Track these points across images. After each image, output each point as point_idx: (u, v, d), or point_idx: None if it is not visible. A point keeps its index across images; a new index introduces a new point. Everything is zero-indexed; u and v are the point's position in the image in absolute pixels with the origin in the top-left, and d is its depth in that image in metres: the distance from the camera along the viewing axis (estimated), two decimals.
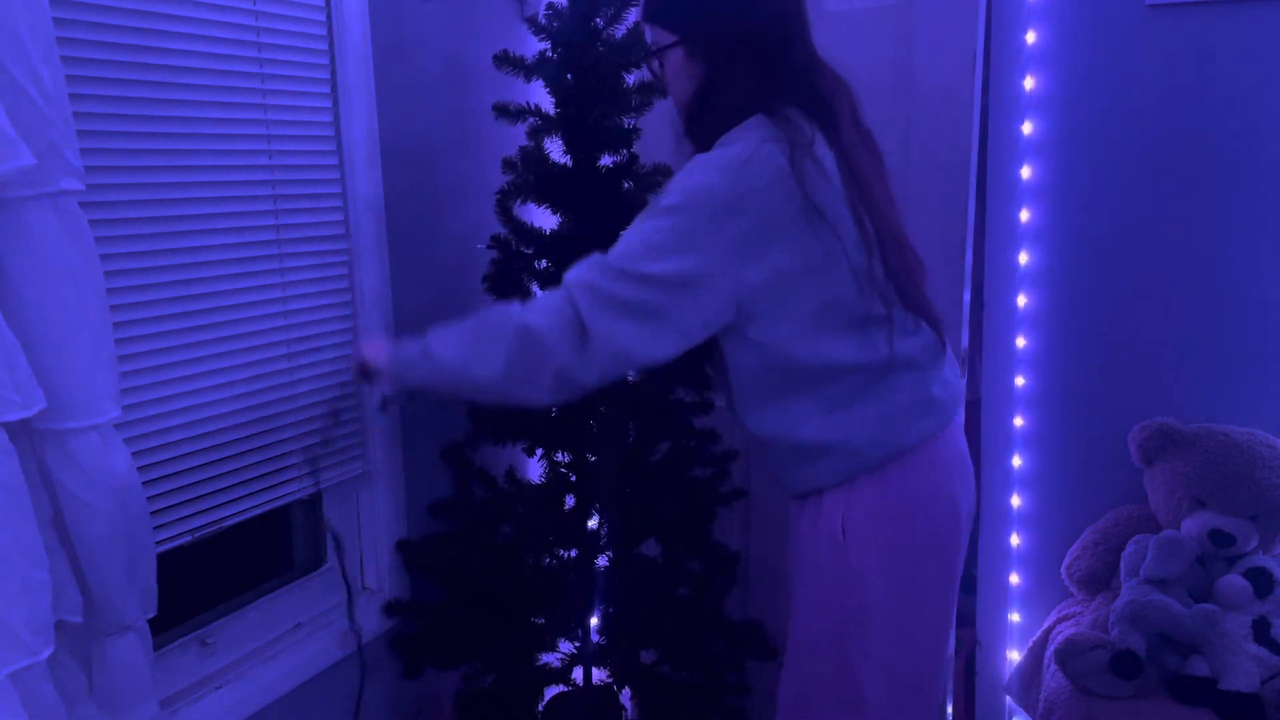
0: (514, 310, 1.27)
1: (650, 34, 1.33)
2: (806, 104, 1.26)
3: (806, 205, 1.19)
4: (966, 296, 1.92)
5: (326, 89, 1.67)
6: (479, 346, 1.27)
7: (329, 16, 1.66)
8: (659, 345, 1.22)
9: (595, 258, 1.24)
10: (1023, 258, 1.95)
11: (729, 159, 1.20)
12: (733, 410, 1.39)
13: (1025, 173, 1.92)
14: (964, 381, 1.42)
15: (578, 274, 1.24)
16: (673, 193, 1.21)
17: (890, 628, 1.31)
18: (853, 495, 1.29)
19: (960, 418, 1.40)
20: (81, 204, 1.12)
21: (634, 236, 1.23)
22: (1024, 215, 1.93)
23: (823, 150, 1.24)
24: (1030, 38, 1.87)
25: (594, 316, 1.20)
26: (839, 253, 1.22)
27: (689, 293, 1.20)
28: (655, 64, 1.35)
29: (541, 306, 1.25)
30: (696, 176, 1.21)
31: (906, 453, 1.29)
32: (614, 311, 1.20)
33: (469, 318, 1.31)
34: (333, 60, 1.67)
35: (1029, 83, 1.89)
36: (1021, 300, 1.96)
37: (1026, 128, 1.90)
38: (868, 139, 1.35)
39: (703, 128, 1.29)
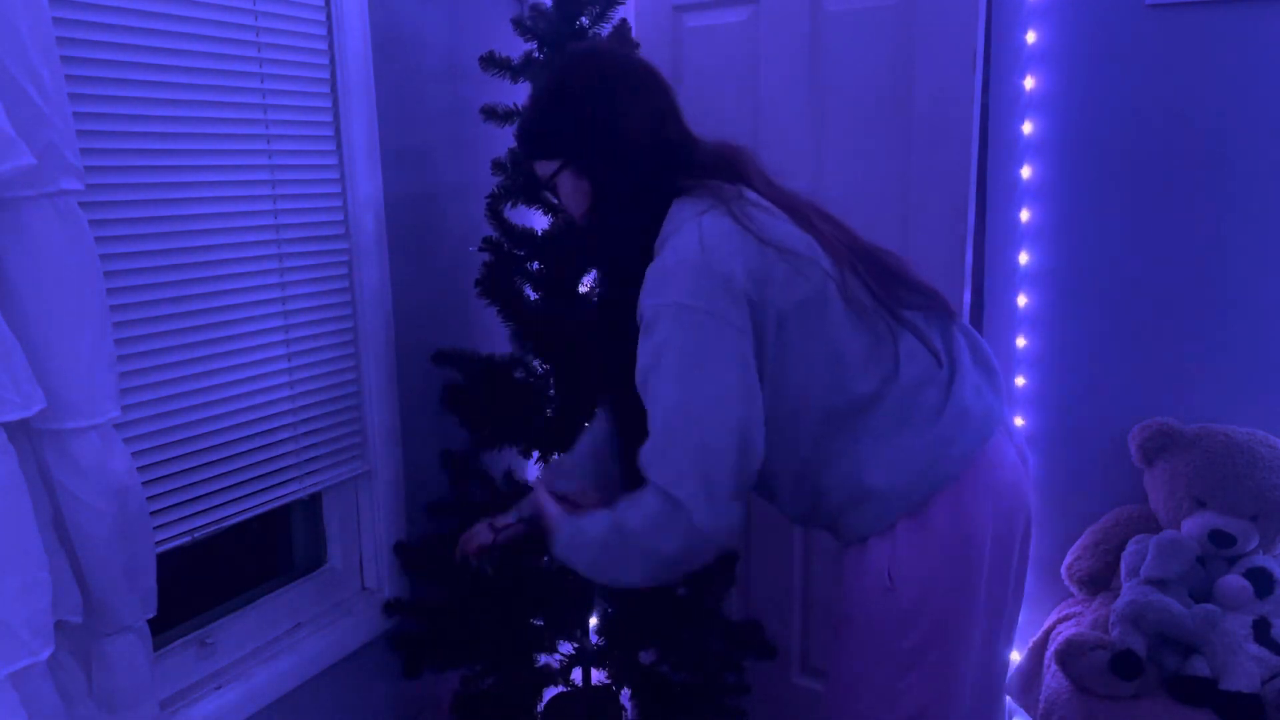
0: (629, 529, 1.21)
1: (538, 169, 1.34)
2: (711, 171, 1.27)
3: (771, 247, 1.19)
4: (966, 296, 1.92)
5: (326, 89, 1.67)
6: (610, 559, 1.25)
7: (329, 16, 1.66)
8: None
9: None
10: (1023, 258, 1.95)
11: (681, 257, 1.17)
12: (772, 492, 1.35)
13: (1025, 173, 1.92)
14: (1001, 388, 1.35)
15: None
16: (659, 331, 1.17)
17: (946, 662, 1.26)
18: (898, 540, 1.23)
19: (1005, 426, 1.33)
20: (81, 204, 1.11)
21: (666, 416, 1.18)
22: (1024, 215, 1.93)
23: (753, 195, 1.25)
24: (1030, 38, 1.87)
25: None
26: (822, 280, 1.21)
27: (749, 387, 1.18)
28: (548, 193, 1.37)
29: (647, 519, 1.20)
30: (670, 295, 1.16)
31: (952, 481, 1.22)
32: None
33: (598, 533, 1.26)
34: (333, 60, 1.67)
35: (1029, 83, 1.89)
36: (1021, 300, 1.96)
37: (1026, 128, 1.90)
38: (780, 188, 1.34)
39: (608, 231, 1.30)
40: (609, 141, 1.26)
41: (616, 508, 1.23)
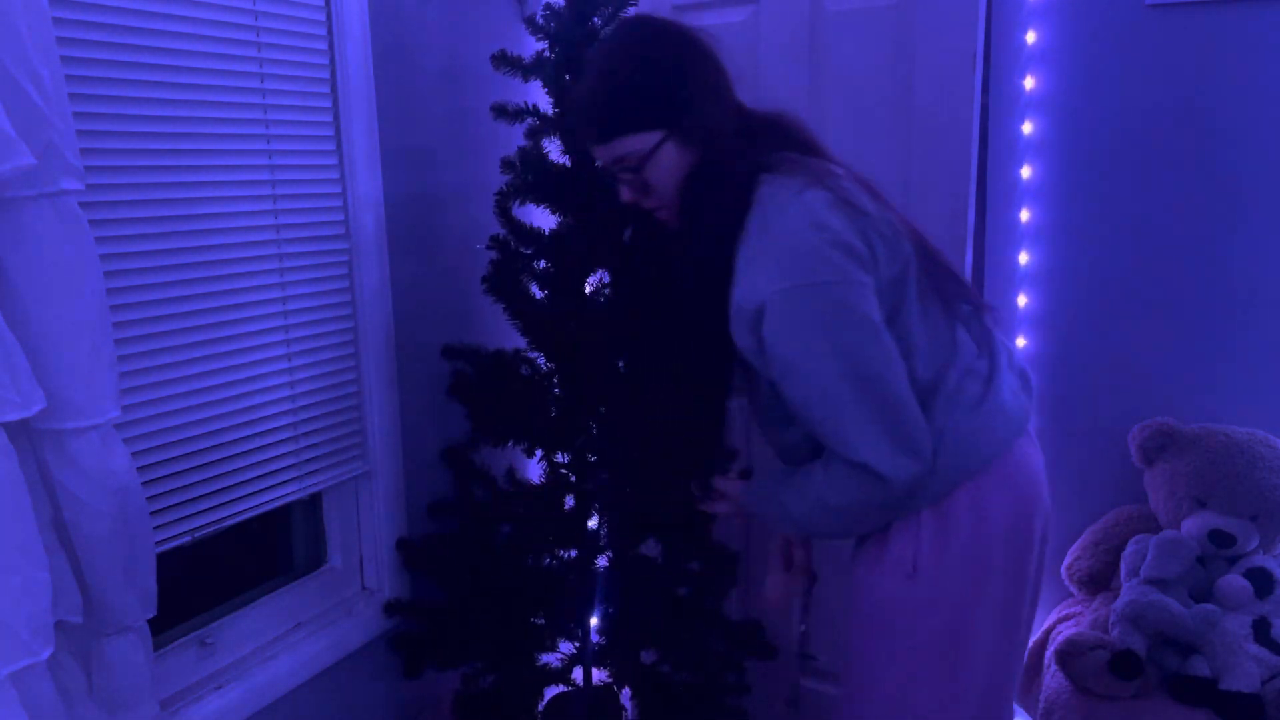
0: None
1: (619, 148, 1.25)
2: (794, 145, 1.27)
3: (871, 220, 1.19)
4: None
5: (326, 89, 1.67)
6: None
7: (329, 16, 1.66)
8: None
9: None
10: (1023, 258, 1.95)
11: (796, 239, 1.15)
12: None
13: (1025, 173, 1.92)
14: (1031, 393, 1.37)
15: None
16: (795, 315, 1.15)
17: (965, 654, 1.26)
18: (921, 528, 1.24)
19: (1030, 429, 1.35)
20: (81, 204, 1.11)
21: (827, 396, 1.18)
22: (1024, 215, 1.93)
23: (839, 170, 1.23)
24: (1030, 38, 1.87)
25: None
26: (907, 259, 1.22)
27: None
28: (630, 175, 1.28)
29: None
30: (795, 278, 1.14)
31: (978, 475, 1.23)
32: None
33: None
34: (333, 60, 1.67)
35: (1029, 83, 1.89)
36: (1021, 300, 1.96)
37: (1026, 128, 1.90)
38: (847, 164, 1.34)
39: (711, 203, 1.23)
40: (705, 106, 1.23)
41: (813, 482, 1.24)
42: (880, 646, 1.31)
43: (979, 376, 1.26)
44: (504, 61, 1.70)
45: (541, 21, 1.70)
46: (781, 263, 1.15)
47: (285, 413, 1.62)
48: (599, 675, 1.90)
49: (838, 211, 1.17)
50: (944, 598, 1.25)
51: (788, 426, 1.30)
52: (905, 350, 1.21)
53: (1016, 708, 1.89)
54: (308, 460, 1.68)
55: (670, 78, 1.22)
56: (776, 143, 1.27)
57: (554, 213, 1.76)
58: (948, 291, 1.28)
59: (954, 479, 1.23)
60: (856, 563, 1.35)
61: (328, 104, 1.68)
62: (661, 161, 1.25)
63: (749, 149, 1.24)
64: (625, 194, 1.31)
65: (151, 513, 1.34)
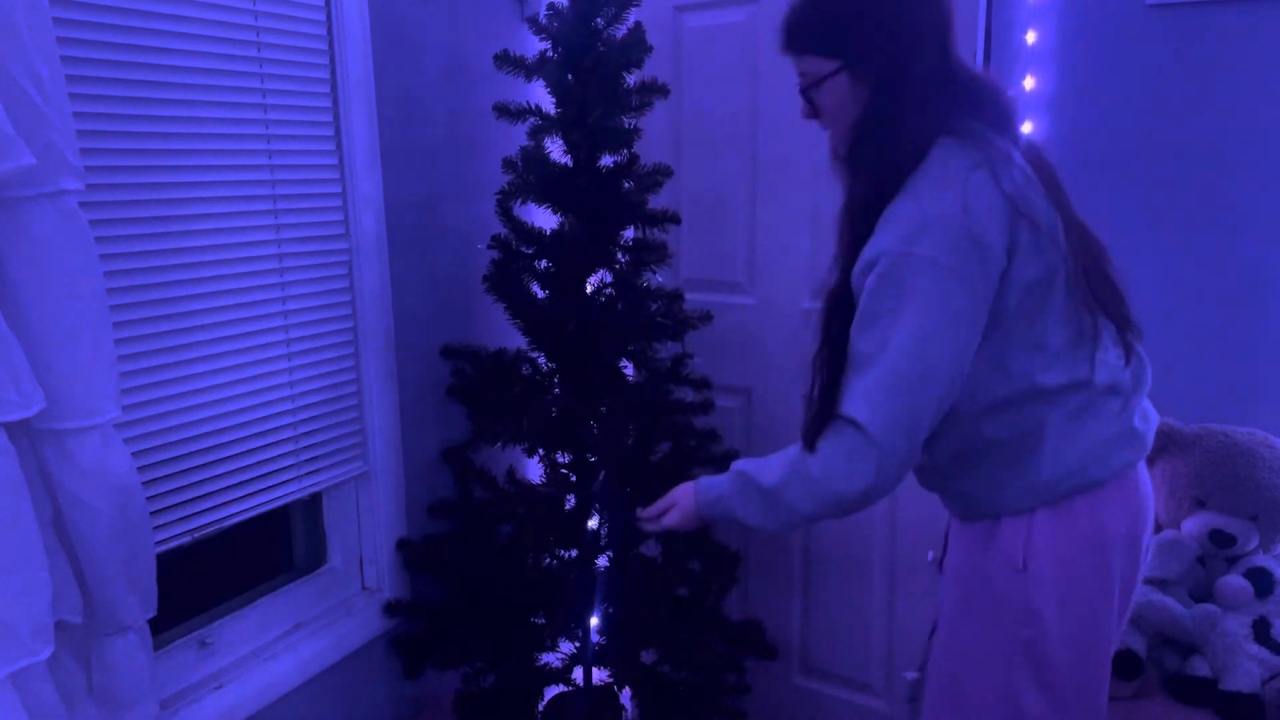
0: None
1: (801, 64, 1.25)
2: (986, 116, 1.21)
3: (1025, 219, 1.15)
4: None
5: (326, 89, 1.67)
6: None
7: (329, 17, 1.66)
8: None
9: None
10: None
11: (944, 211, 1.12)
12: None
13: None
14: (1152, 425, 1.35)
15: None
16: (908, 279, 1.13)
17: (1063, 664, 1.24)
18: (1034, 525, 1.23)
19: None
20: (81, 204, 1.11)
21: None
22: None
23: (1018, 157, 1.20)
24: (1030, 38, 1.87)
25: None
26: (1057, 263, 1.18)
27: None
28: (808, 93, 1.27)
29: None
30: (927, 248, 1.12)
31: (1096, 488, 1.22)
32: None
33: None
34: (333, 60, 1.67)
35: (1029, 83, 1.89)
36: None
37: (1026, 127, 1.90)
38: (1035, 147, 1.29)
39: (876, 150, 1.20)
40: (900, 50, 1.17)
41: (790, 460, 1.25)
42: (978, 639, 1.29)
43: (1120, 394, 1.25)
44: (507, 61, 1.70)
45: (545, 21, 1.71)
46: (921, 226, 1.13)
47: (285, 413, 1.62)
48: (599, 675, 1.90)
49: (995, 206, 1.14)
50: (1054, 600, 1.23)
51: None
52: (1036, 351, 1.20)
53: None
54: (308, 460, 1.68)
55: (866, 12, 1.19)
56: (969, 108, 1.21)
57: (555, 212, 1.76)
58: (1106, 305, 1.24)
59: (1077, 485, 1.22)
60: (955, 548, 1.35)
61: (328, 104, 1.68)
62: (834, 91, 1.23)
63: (933, 107, 1.18)
64: (804, 109, 1.30)
65: (151, 513, 1.34)
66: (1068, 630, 1.23)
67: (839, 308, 1.23)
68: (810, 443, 1.23)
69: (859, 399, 1.16)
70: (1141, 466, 1.30)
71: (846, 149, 1.25)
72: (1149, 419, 1.31)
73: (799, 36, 1.24)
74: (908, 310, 1.14)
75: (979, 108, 1.22)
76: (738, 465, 1.34)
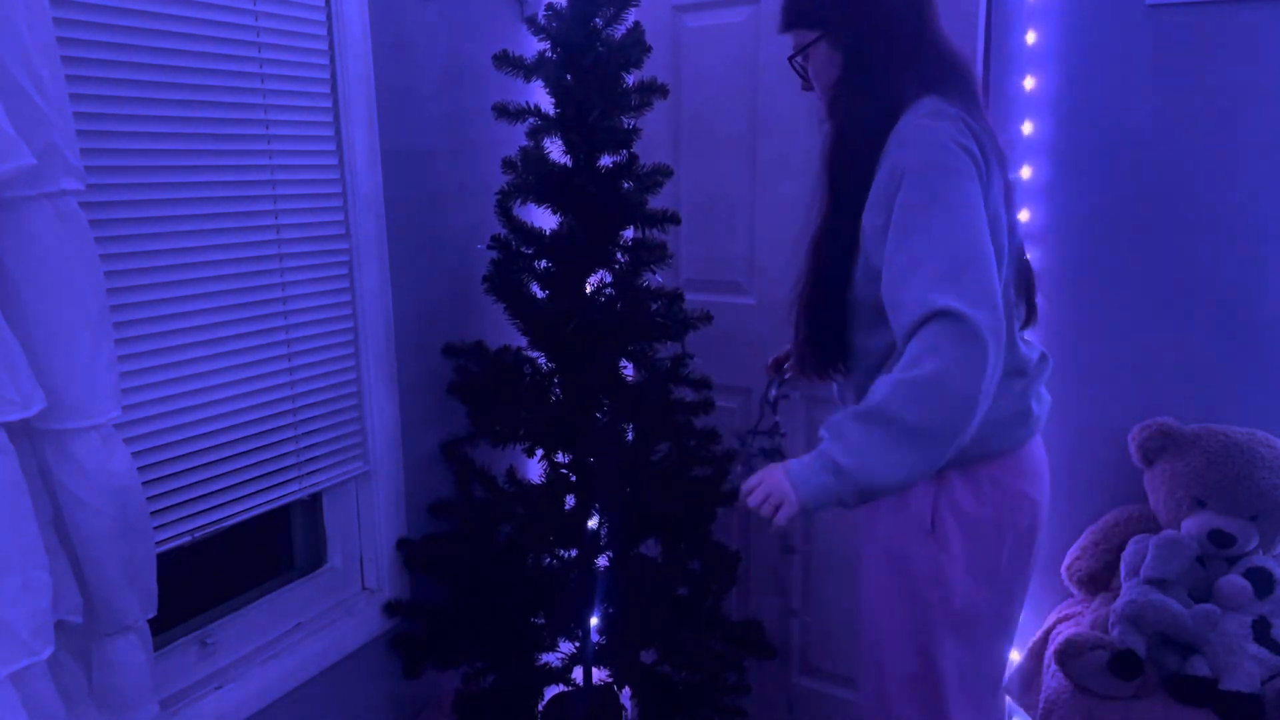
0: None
1: (793, 38, 1.39)
2: (948, 91, 1.28)
3: (994, 158, 1.25)
4: None
5: (326, 89, 1.67)
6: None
7: (329, 17, 1.66)
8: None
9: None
10: None
11: (938, 132, 1.21)
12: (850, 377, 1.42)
13: (1025, 173, 1.92)
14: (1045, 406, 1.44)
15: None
16: (929, 180, 1.20)
17: (973, 620, 1.34)
18: (941, 489, 1.32)
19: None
20: (81, 204, 1.11)
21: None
22: (1024, 215, 1.93)
23: (976, 127, 1.25)
24: (1030, 38, 1.87)
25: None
26: (1000, 230, 1.25)
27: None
28: (799, 63, 1.41)
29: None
30: (934, 156, 1.21)
31: (1000, 456, 1.32)
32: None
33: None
34: (333, 60, 1.67)
35: (1029, 83, 1.89)
36: None
37: (1026, 128, 1.90)
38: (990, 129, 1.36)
39: (847, 107, 1.33)
40: (869, 21, 1.31)
41: (886, 380, 1.16)
42: (901, 596, 1.36)
43: (1027, 377, 1.35)
44: (506, 62, 1.70)
45: (544, 22, 1.71)
46: (919, 150, 1.22)
47: (285, 413, 1.62)
48: (599, 675, 1.90)
49: (972, 136, 1.23)
50: (962, 560, 1.31)
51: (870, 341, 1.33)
52: None
53: (1016, 707, 1.89)
54: (308, 460, 1.68)
55: None
56: (938, 80, 1.29)
57: (555, 212, 1.76)
58: (1029, 292, 1.36)
59: (979, 452, 1.28)
60: (875, 508, 1.37)
61: (328, 104, 1.68)
62: (815, 58, 1.37)
63: (902, 74, 1.29)
64: (803, 84, 1.43)
65: (151, 513, 1.34)
66: (976, 587, 1.32)
67: (833, 243, 1.33)
68: (862, 369, 1.32)
69: (933, 292, 1.14)
70: (1037, 443, 1.41)
71: (827, 110, 1.38)
72: (1044, 402, 1.41)
73: (789, 12, 1.40)
74: (937, 212, 1.19)
75: (947, 81, 1.30)
76: (824, 432, 1.21)
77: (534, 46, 1.75)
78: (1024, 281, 1.38)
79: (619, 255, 1.77)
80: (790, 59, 1.42)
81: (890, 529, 1.37)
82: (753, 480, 1.26)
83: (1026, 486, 1.35)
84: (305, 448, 1.67)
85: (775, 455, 1.58)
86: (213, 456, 1.50)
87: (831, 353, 1.39)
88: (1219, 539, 1.67)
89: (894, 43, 1.31)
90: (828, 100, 1.38)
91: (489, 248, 1.79)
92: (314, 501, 1.82)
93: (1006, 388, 1.28)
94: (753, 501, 1.23)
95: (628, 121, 1.72)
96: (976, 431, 1.17)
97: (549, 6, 1.73)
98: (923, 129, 1.23)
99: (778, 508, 1.20)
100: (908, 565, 1.35)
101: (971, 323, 1.11)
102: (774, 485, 1.21)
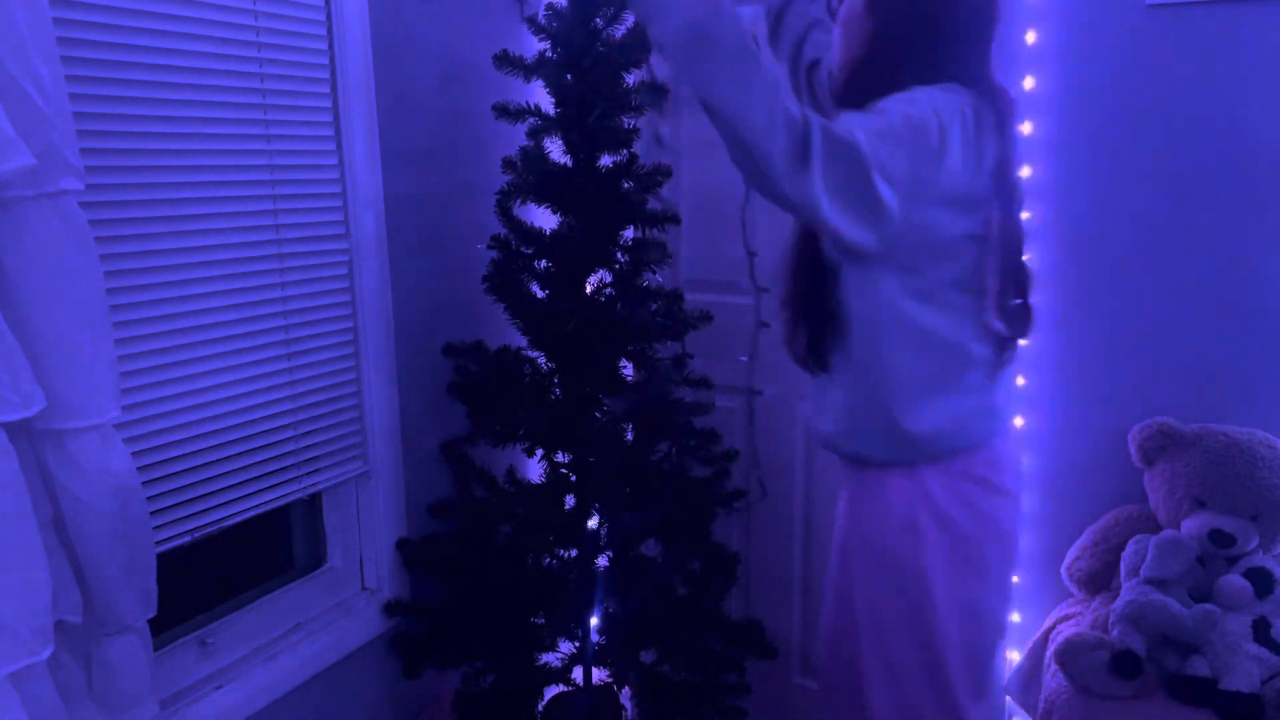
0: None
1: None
2: (968, 84, 1.27)
3: (979, 154, 1.23)
4: None
5: (326, 89, 1.67)
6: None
7: (329, 16, 1.66)
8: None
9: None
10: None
11: (914, 96, 1.20)
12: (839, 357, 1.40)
13: (1025, 173, 1.92)
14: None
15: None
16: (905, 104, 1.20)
17: (961, 617, 1.35)
18: (920, 483, 1.33)
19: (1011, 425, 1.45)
20: (81, 204, 1.11)
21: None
22: (1024, 215, 1.93)
23: (985, 121, 1.25)
24: (1030, 38, 1.87)
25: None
26: (983, 226, 1.26)
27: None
28: (836, 3, 1.38)
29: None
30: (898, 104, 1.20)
31: (968, 451, 1.34)
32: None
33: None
34: (333, 60, 1.67)
35: (1029, 83, 1.89)
36: None
37: (1026, 128, 1.90)
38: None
39: (861, 83, 1.29)
40: (920, 17, 1.26)
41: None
42: (892, 588, 1.37)
43: (989, 370, 1.35)
44: (506, 61, 1.70)
45: (544, 22, 1.71)
46: (910, 100, 1.21)
47: (285, 413, 1.62)
48: (599, 675, 1.90)
49: (962, 110, 1.21)
50: (944, 552, 1.33)
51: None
52: (936, 306, 1.28)
53: (1017, 707, 1.89)
54: (308, 460, 1.68)
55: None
56: (970, 81, 1.28)
57: (555, 212, 1.76)
58: (1005, 282, 1.33)
59: (950, 445, 1.32)
60: (858, 503, 1.41)
61: (328, 104, 1.68)
62: (848, 9, 1.32)
63: (923, 59, 1.26)
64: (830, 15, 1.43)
65: (151, 513, 1.34)
66: (959, 583, 1.34)
67: (812, 257, 1.34)
68: (853, 359, 1.34)
69: (856, 128, 1.15)
70: (1007, 435, 1.43)
71: (840, 87, 1.36)
72: (1010, 395, 1.45)
73: None
74: (901, 114, 1.19)
75: (962, 77, 1.27)
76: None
77: (534, 46, 1.75)
78: (1016, 282, 1.36)
79: (619, 255, 1.78)
80: (830, 11, 1.40)
81: (871, 529, 1.38)
82: None
83: (998, 479, 1.37)
84: (305, 447, 1.67)
85: None
86: (213, 456, 1.50)
87: (816, 321, 1.37)
88: (1219, 539, 1.67)
89: (929, 30, 1.26)
90: (842, 80, 1.34)
91: (489, 247, 1.79)
92: (314, 501, 1.82)
93: (962, 381, 1.32)
94: None
95: (628, 121, 1.72)
96: (942, 428, 1.30)
97: (549, 6, 1.73)
98: (914, 94, 1.22)
99: None
100: (895, 561, 1.36)
101: (858, 150, 1.12)
102: None
